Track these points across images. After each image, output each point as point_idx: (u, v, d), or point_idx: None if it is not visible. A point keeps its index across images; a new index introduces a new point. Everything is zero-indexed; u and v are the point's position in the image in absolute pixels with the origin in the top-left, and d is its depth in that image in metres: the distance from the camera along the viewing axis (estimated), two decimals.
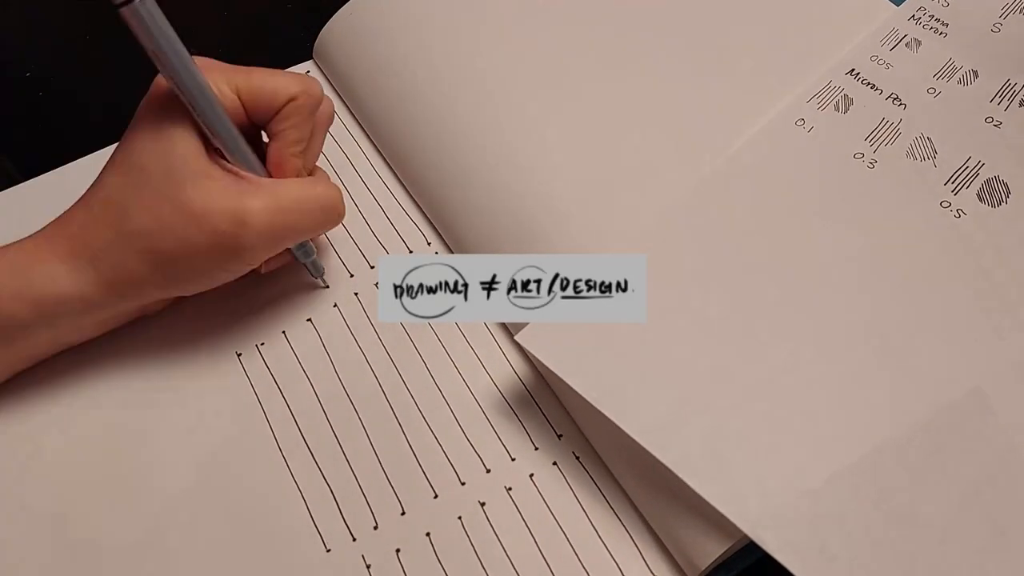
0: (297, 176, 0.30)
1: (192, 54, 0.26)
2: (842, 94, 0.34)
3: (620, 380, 0.27)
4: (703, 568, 0.25)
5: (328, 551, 0.27)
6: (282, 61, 0.41)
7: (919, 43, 0.35)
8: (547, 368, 0.28)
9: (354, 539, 0.27)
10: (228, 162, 0.28)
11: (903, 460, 0.25)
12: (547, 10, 0.38)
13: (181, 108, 0.27)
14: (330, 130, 0.38)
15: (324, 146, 0.38)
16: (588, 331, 0.28)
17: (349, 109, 0.39)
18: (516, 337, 0.28)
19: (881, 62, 0.35)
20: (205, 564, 0.27)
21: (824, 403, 0.26)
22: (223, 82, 0.28)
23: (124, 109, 0.42)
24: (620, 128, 0.34)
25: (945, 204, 0.30)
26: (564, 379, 0.27)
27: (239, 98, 0.28)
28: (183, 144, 0.27)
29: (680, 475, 0.25)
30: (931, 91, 0.33)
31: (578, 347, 0.28)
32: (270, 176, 0.29)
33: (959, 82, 0.33)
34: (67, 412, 0.30)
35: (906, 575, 0.23)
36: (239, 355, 0.31)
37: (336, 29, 0.40)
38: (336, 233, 0.35)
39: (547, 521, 0.27)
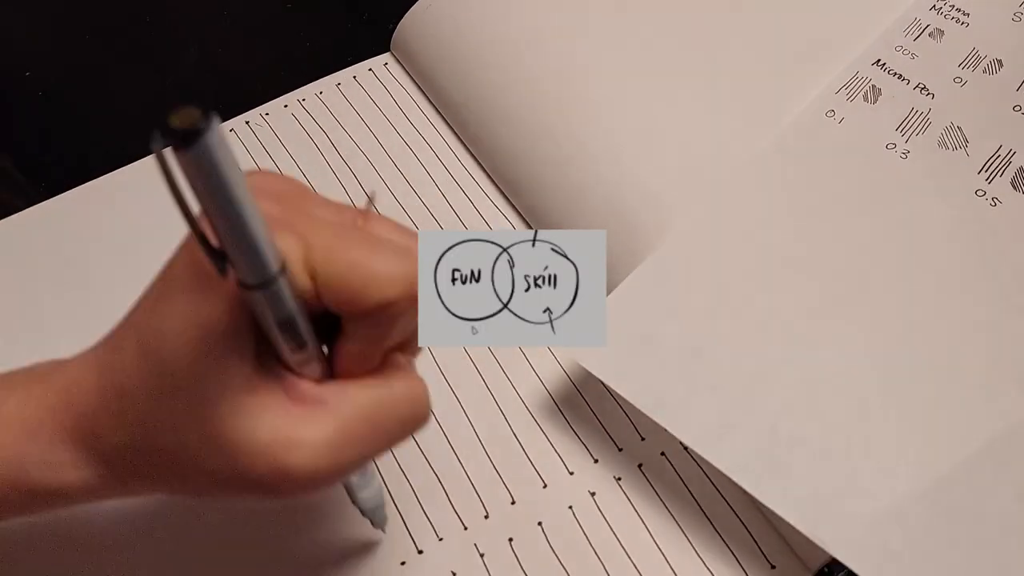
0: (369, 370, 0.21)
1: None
2: (870, 84, 0.35)
3: (670, 386, 0.28)
4: (823, 561, 0.26)
5: (440, 539, 0.28)
6: (357, 56, 0.42)
7: (942, 33, 0.36)
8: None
9: (465, 528, 0.28)
10: (282, 359, 0.20)
11: (958, 454, 0.25)
12: None
13: (226, 287, 0.18)
14: (413, 123, 0.39)
15: (406, 137, 0.38)
16: (634, 336, 0.29)
17: (432, 102, 0.40)
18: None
19: (906, 52, 0.36)
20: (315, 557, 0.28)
21: (873, 400, 0.27)
22: (295, 252, 0.18)
23: (123, 108, 0.42)
24: (679, 120, 0.35)
25: (980, 193, 0.31)
26: (613, 388, 0.28)
27: (312, 281, 0.19)
28: (224, 342, 0.18)
29: (735, 479, 0.26)
30: (957, 80, 0.35)
31: (625, 354, 0.28)
32: (331, 374, 0.21)
33: (984, 71, 0.35)
34: None
35: (968, 569, 0.24)
36: None
37: (415, 20, 0.40)
38: (427, 226, 0.35)
39: (661, 512, 0.28)
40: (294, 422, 0.19)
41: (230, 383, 0.19)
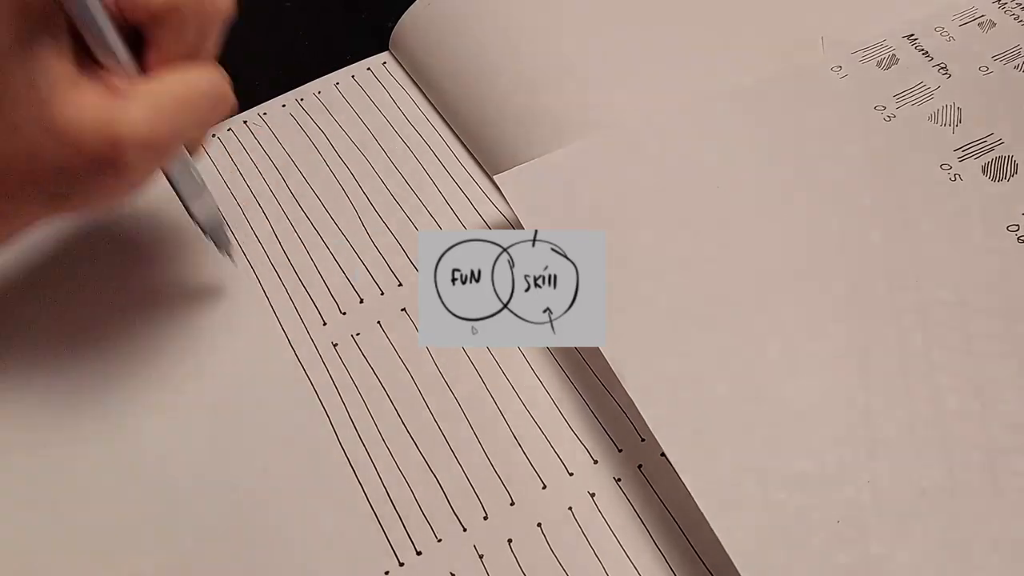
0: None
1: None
2: (890, 53, 0.34)
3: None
4: None
5: (439, 541, 0.28)
6: (356, 55, 0.41)
7: (993, 24, 0.35)
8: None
9: (464, 529, 0.28)
10: (99, 63, 0.24)
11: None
12: None
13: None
14: (412, 122, 0.39)
15: (405, 138, 0.38)
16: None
17: (431, 101, 0.39)
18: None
19: (944, 34, 0.34)
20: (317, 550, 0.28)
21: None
22: None
23: None
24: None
25: (945, 167, 0.31)
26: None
27: None
28: (47, 45, 0.23)
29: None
30: (983, 69, 0.33)
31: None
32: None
33: (1016, 68, 0.33)
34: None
35: None
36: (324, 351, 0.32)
37: (414, 20, 0.40)
38: (426, 227, 0.35)
39: (661, 513, 0.28)
40: (115, 103, 0.23)
41: (53, 74, 0.23)
